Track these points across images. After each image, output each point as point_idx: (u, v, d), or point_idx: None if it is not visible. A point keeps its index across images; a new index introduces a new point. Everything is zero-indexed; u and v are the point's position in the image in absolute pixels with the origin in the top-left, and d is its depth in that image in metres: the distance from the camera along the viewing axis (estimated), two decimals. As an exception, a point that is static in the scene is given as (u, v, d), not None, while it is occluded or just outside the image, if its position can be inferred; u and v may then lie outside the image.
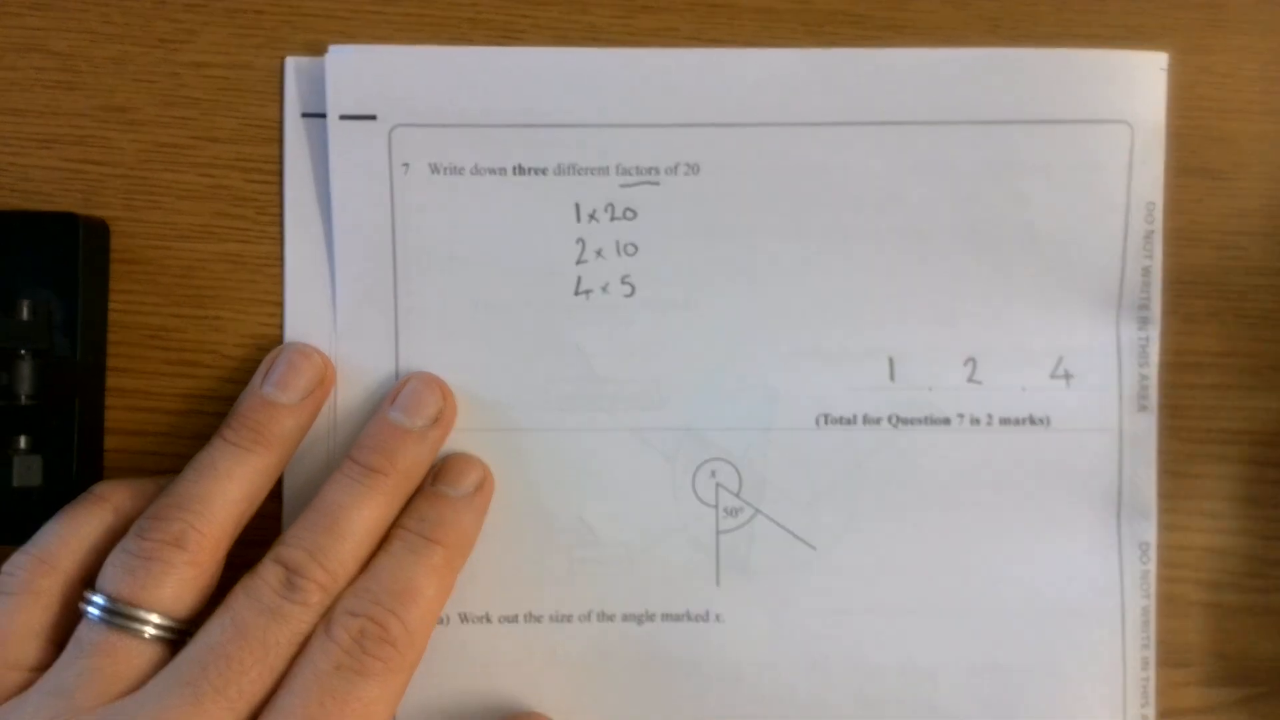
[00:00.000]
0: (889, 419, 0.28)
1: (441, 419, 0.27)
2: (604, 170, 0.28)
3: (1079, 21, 0.28)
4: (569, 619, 0.28)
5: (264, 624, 0.24)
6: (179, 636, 0.24)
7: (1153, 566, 0.28)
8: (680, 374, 0.28)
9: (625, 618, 0.28)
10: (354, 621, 0.24)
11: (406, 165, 0.28)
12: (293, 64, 0.28)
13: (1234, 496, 0.29)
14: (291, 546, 0.25)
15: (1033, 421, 0.28)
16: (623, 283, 0.28)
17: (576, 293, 0.28)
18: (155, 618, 0.24)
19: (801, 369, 0.28)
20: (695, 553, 0.28)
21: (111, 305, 0.28)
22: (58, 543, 0.25)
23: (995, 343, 0.28)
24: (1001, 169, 0.28)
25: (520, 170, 0.28)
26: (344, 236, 0.28)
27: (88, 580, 0.25)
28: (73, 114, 0.28)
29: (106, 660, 0.23)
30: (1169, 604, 0.29)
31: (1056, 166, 0.28)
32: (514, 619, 0.28)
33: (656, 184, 0.28)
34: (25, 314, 0.26)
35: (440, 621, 0.28)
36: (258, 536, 0.26)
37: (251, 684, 0.23)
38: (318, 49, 0.28)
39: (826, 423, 0.28)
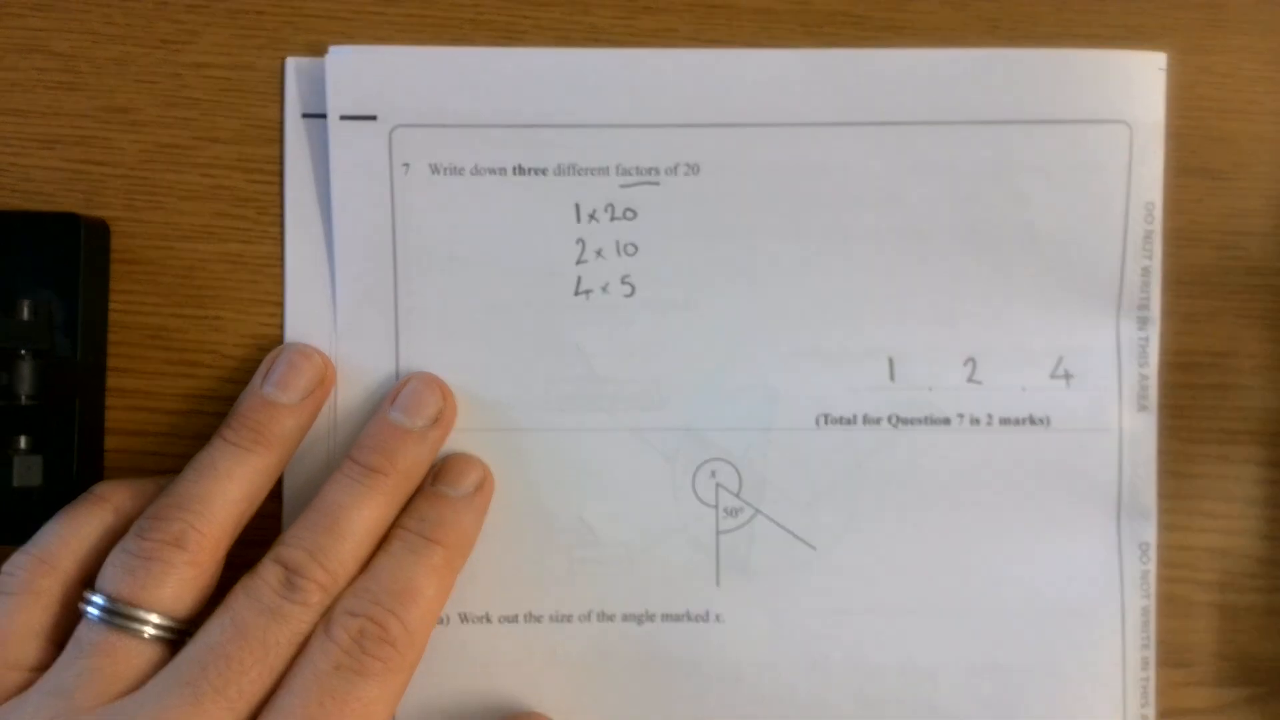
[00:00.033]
0: (889, 419, 0.28)
1: (441, 419, 0.27)
2: (604, 170, 0.28)
3: (1078, 22, 0.28)
4: (569, 619, 0.28)
5: (264, 624, 0.24)
6: (179, 636, 0.24)
7: (1153, 566, 0.28)
8: (680, 374, 0.28)
9: (625, 618, 0.28)
10: (354, 621, 0.24)
11: (407, 165, 0.28)
12: (293, 64, 0.28)
13: (1234, 496, 0.29)
14: (291, 546, 0.25)
15: (1033, 421, 0.28)
16: (623, 283, 0.28)
17: (576, 293, 0.28)
18: (155, 618, 0.24)
19: (801, 369, 0.28)
20: (695, 553, 0.28)
21: (112, 305, 0.28)
22: (58, 543, 0.25)
23: (995, 343, 0.28)
24: (1001, 169, 0.28)
25: (520, 170, 0.28)
26: (344, 237, 0.28)
27: (88, 580, 0.25)
28: (74, 114, 0.28)
29: (106, 660, 0.23)
30: (1169, 604, 0.29)
31: (1056, 167, 0.28)
32: (514, 619, 0.28)
33: (656, 184, 0.28)
34: (26, 314, 0.26)
35: (440, 621, 0.28)
36: (258, 536, 0.26)
37: (251, 684, 0.23)
38: (318, 49, 0.28)
39: (826, 423, 0.28)
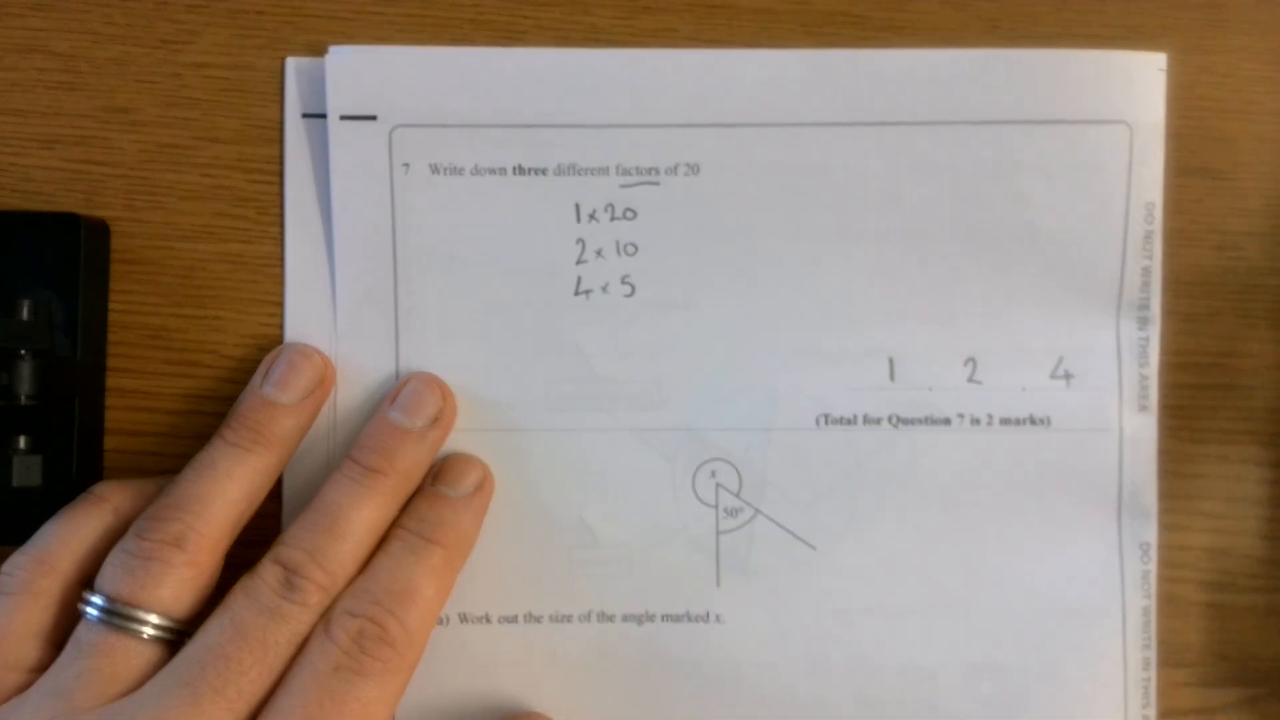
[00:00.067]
0: (889, 419, 0.28)
1: (441, 419, 0.27)
2: (604, 170, 0.28)
3: (1078, 22, 0.28)
4: (569, 619, 0.28)
5: (263, 624, 0.24)
6: (178, 637, 0.24)
7: (1153, 566, 0.28)
8: (680, 374, 0.28)
9: (625, 618, 0.28)
10: (353, 622, 0.24)
11: (407, 165, 0.28)
12: (293, 64, 0.28)
13: (1234, 496, 0.29)
14: (291, 547, 0.25)
15: (1033, 422, 0.28)
16: (623, 283, 0.28)
17: (576, 293, 0.28)
18: (154, 618, 0.24)
19: (802, 369, 0.28)
20: (695, 553, 0.28)
21: (112, 305, 0.28)
22: (57, 543, 0.25)
23: (995, 343, 0.28)
24: (1001, 169, 0.28)
25: (520, 170, 0.28)
26: (344, 237, 0.28)
27: (87, 581, 0.25)
28: (74, 114, 0.28)
29: (105, 661, 0.23)
30: (1170, 604, 0.29)
31: (1056, 167, 0.28)
32: (514, 619, 0.28)
33: (656, 184, 0.28)
34: (26, 314, 0.26)
35: (440, 622, 0.28)
36: (257, 536, 0.26)
37: (250, 684, 0.23)
38: (318, 49, 0.28)
39: (827, 423, 0.28)
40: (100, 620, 0.24)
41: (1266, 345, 0.29)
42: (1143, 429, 0.28)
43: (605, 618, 0.28)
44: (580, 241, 0.28)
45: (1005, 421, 0.28)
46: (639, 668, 0.28)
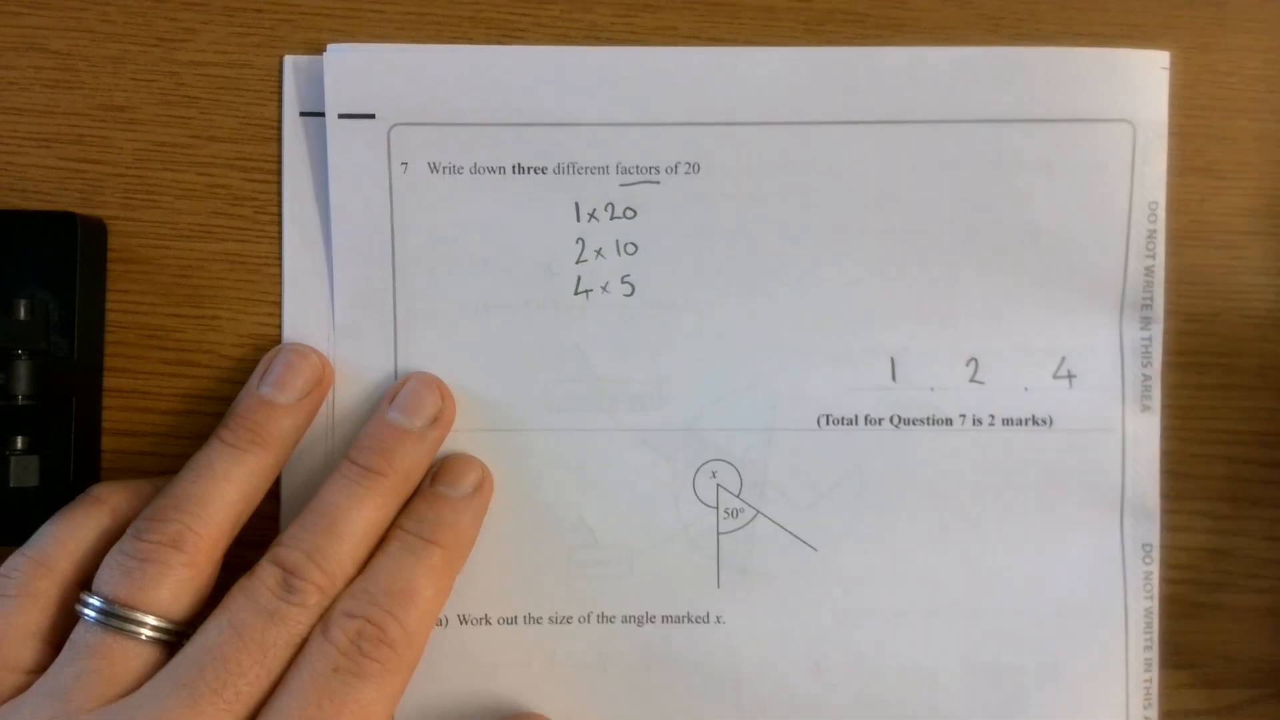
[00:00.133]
0: (890, 419, 0.28)
1: (440, 419, 0.27)
2: (604, 169, 0.28)
3: (1080, 20, 0.28)
4: (569, 621, 0.28)
5: (261, 625, 0.24)
6: (176, 638, 0.24)
7: (1155, 567, 0.28)
8: (680, 374, 0.28)
9: (625, 619, 0.28)
10: (351, 623, 0.24)
11: (405, 164, 0.28)
12: (291, 63, 0.28)
13: (1237, 497, 0.29)
14: (289, 547, 0.25)
15: (1035, 422, 0.28)
16: (623, 282, 0.28)
17: (576, 292, 0.28)
18: (152, 619, 0.24)
19: (802, 369, 0.28)
20: (696, 554, 0.28)
21: (109, 305, 0.28)
22: (54, 544, 0.25)
23: (997, 343, 0.28)
24: (1003, 168, 0.28)
25: (520, 169, 0.28)
26: (342, 236, 0.28)
27: (84, 582, 0.25)
28: (71, 113, 0.28)
29: (103, 662, 0.23)
30: (1172, 605, 0.28)
31: (1058, 166, 0.28)
32: (513, 620, 0.28)
33: (657, 183, 0.28)
34: (23, 314, 0.26)
35: (439, 623, 0.28)
36: (255, 537, 0.26)
37: (249, 685, 0.23)
38: (317, 48, 0.28)
39: (828, 423, 0.28)
40: (98, 621, 0.24)
41: (1269, 345, 0.29)
42: (1145, 429, 0.28)
43: (605, 619, 0.28)
44: (580, 241, 0.28)
45: (1007, 422, 0.28)
46: (639, 669, 0.28)
